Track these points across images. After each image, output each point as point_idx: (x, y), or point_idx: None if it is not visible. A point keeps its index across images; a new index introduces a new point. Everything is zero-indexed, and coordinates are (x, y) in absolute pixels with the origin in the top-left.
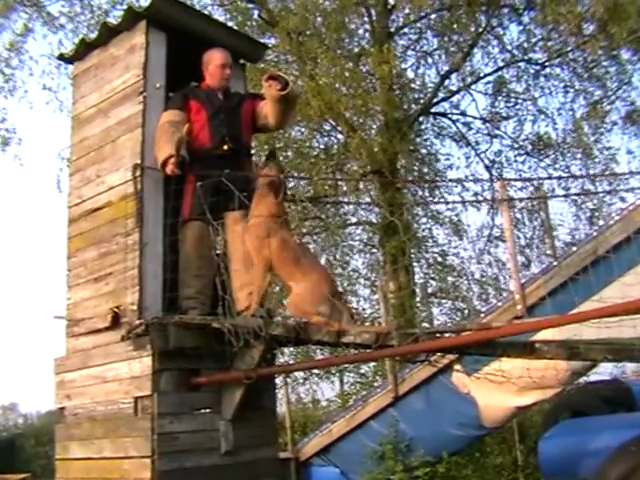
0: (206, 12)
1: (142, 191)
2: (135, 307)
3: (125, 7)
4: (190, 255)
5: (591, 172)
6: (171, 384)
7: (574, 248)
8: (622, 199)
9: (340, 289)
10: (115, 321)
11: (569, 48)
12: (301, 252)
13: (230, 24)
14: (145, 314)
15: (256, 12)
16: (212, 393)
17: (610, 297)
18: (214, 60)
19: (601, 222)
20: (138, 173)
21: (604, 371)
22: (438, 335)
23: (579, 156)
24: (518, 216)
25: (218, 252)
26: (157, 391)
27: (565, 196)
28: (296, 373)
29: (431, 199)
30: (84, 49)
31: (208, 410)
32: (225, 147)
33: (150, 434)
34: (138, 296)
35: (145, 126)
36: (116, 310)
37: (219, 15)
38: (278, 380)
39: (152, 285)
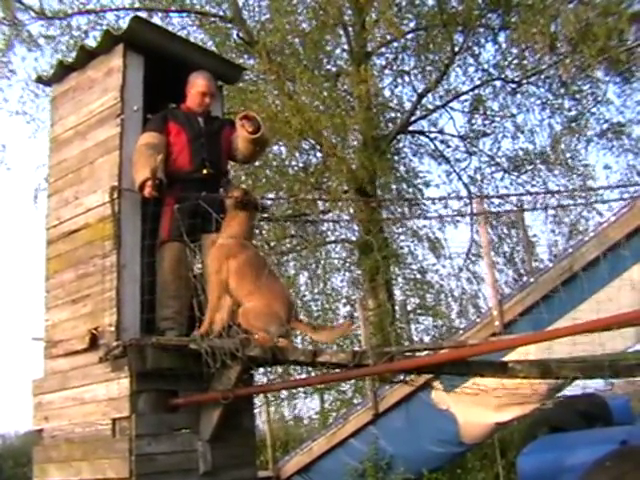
0: (185, 33)
1: (120, 213)
2: (113, 328)
3: (103, 29)
4: (168, 276)
5: (569, 188)
6: (149, 405)
7: (550, 264)
8: (599, 214)
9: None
10: (93, 343)
11: (544, 66)
12: (262, 272)
13: (209, 44)
14: (123, 335)
15: (235, 32)
16: (190, 414)
17: (585, 314)
18: (196, 86)
19: (579, 237)
20: (116, 195)
21: (584, 385)
22: (414, 353)
23: (557, 172)
24: (499, 232)
25: (195, 274)
26: (135, 412)
27: (544, 209)
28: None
29: (409, 216)
30: (62, 71)
31: (186, 431)
32: (205, 171)
33: (128, 455)
34: (116, 318)
35: (123, 148)
36: (94, 332)
37: (198, 35)
38: (259, 398)
39: (130, 306)
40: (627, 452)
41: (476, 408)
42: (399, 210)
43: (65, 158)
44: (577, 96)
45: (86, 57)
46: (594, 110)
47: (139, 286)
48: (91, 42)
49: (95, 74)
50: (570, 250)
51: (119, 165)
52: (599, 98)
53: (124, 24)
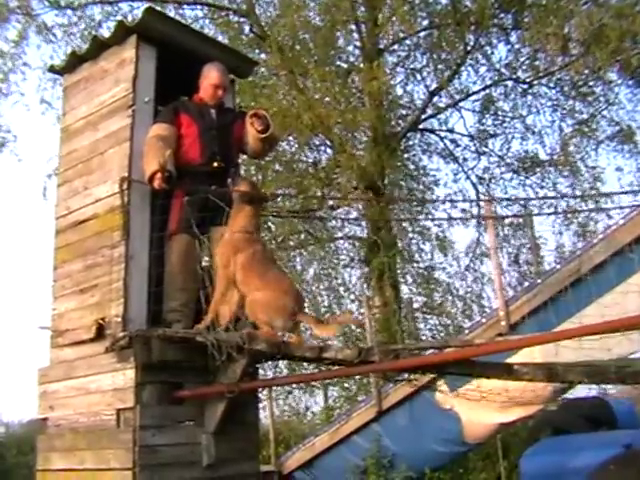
0: (198, 26)
1: (129, 204)
2: (119, 319)
3: (117, 19)
4: (175, 268)
5: (578, 190)
6: (154, 397)
7: (558, 266)
8: (609, 216)
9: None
10: (99, 333)
11: (556, 68)
12: (269, 266)
13: (222, 39)
14: (129, 326)
15: (247, 27)
16: (194, 406)
17: (591, 317)
18: (210, 78)
19: (589, 238)
20: (125, 186)
21: (587, 388)
22: (419, 352)
23: (566, 174)
24: (505, 233)
25: (203, 266)
26: (140, 403)
27: (554, 214)
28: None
29: (418, 214)
30: (75, 61)
31: (190, 423)
32: (215, 164)
33: (132, 446)
34: (123, 308)
35: (133, 140)
36: (101, 322)
37: (210, 29)
38: (263, 393)
39: (137, 298)
40: (631, 456)
41: (479, 408)
42: (407, 207)
43: (75, 148)
44: (589, 98)
45: (99, 48)
46: (605, 113)
47: (147, 277)
48: (105, 32)
49: (107, 65)
50: (578, 252)
51: (129, 156)
52: (611, 101)
53: (138, 15)
